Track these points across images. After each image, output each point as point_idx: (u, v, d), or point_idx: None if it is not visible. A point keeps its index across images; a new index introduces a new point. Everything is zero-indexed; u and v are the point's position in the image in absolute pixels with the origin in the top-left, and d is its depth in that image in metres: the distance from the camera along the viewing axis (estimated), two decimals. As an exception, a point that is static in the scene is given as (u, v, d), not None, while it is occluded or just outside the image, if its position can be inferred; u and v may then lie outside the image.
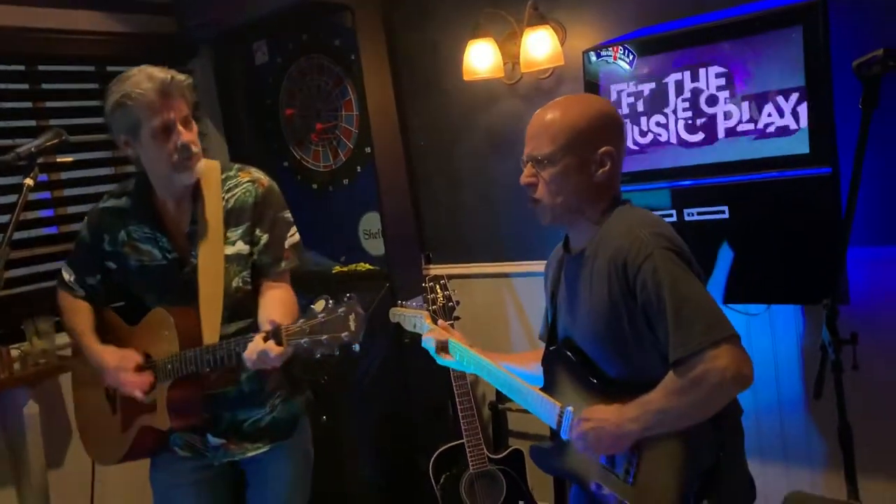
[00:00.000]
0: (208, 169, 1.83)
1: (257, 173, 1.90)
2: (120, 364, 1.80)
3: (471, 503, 2.67)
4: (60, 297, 1.96)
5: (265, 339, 1.61)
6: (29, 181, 1.59)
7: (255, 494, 1.95)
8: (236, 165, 1.92)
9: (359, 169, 3.11)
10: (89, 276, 1.92)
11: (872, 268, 2.14)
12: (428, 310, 2.79)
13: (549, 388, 1.68)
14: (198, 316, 1.78)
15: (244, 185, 1.86)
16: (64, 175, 2.98)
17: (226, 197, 1.84)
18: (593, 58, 2.39)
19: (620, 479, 1.52)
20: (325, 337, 1.55)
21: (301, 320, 1.59)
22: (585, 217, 1.59)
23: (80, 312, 1.94)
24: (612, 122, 1.59)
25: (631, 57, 2.31)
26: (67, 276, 1.94)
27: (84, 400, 2.04)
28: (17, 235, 2.71)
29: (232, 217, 1.84)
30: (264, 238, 1.85)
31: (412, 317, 2.00)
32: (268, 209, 1.86)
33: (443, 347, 1.85)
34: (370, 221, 3.14)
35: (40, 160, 1.64)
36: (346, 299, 1.58)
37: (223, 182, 1.85)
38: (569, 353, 1.63)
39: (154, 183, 1.82)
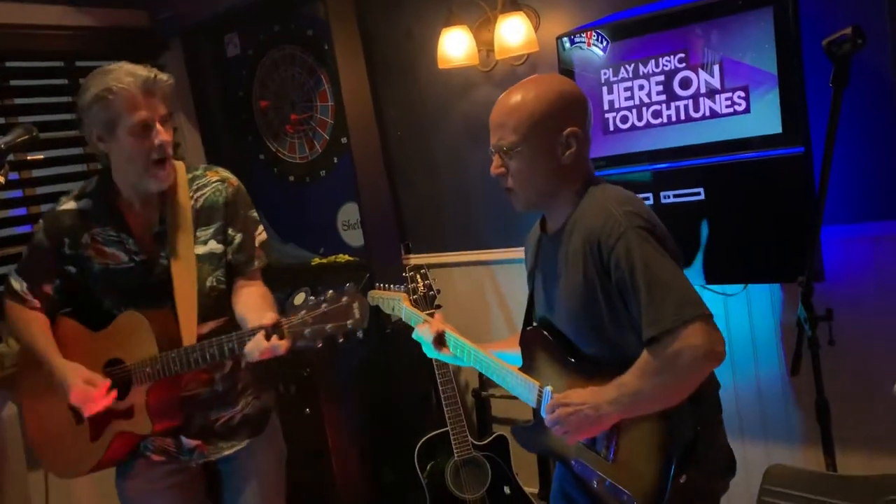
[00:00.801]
0: (174, 169, 1.81)
1: (225, 172, 1.90)
2: (86, 384, 1.75)
3: (456, 490, 2.68)
4: (9, 308, 1.86)
5: (267, 336, 1.61)
6: (0, 178, 1.57)
7: (231, 492, 1.94)
8: (202, 165, 1.91)
9: (335, 160, 3.10)
10: (46, 283, 1.83)
11: (846, 245, 2.18)
12: (409, 299, 2.80)
13: (527, 367, 1.70)
14: (174, 317, 1.76)
15: (213, 185, 1.85)
16: (35, 173, 2.93)
17: (194, 196, 1.83)
18: (567, 44, 2.40)
19: (601, 456, 1.55)
20: (329, 326, 1.57)
21: (302, 311, 1.60)
22: (559, 199, 1.59)
23: (35, 324, 1.85)
24: (574, 101, 1.58)
25: (604, 43, 2.32)
26: (18, 285, 1.85)
27: (40, 412, 1.94)
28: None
29: (202, 216, 1.82)
30: (238, 237, 1.86)
31: (390, 299, 2.00)
32: (239, 208, 1.87)
33: (440, 341, 1.83)
34: (348, 212, 3.13)
35: (10, 157, 1.62)
36: (346, 287, 1.60)
37: (190, 182, 1.83)
38: (545, 333, 1.64)
39: (120, 183, 1.78)
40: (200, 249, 1.82)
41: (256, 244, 1.90)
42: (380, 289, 2.05)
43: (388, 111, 3.09)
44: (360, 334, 1.61)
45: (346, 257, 3.13)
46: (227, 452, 1.89)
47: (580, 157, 1.57)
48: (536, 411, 1.64)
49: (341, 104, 2.93)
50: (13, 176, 2.82)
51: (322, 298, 1.60)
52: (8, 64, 2.87)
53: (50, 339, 1.84)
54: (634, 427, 1.48)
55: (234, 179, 1.89)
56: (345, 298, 1.58)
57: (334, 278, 3.04)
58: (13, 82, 2.89)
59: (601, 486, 1.55)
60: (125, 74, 1.66)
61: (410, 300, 1.94)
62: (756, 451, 2.40)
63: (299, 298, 3.08)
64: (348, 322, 1.57)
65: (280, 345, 1.61)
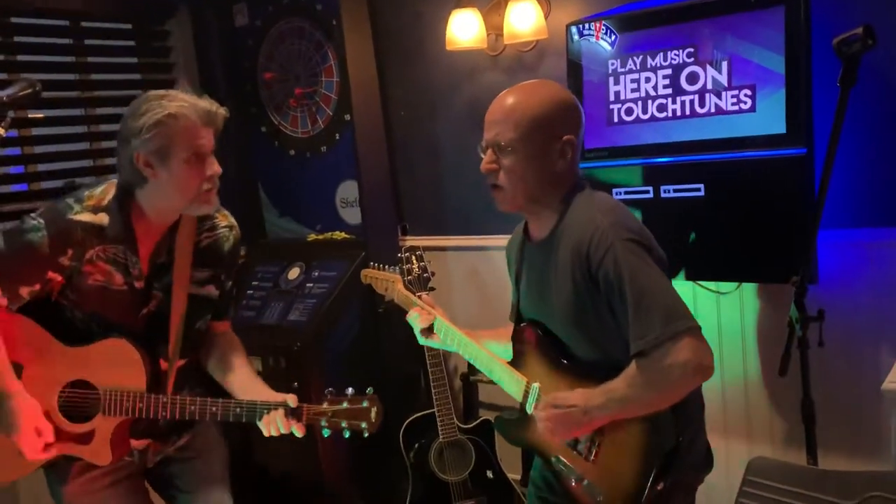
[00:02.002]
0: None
1: (231, 219, 1.89)
2: (35, 440, 1.65)
3: (440, 471, 2.70)
4: None
5: (287, 415, 1.69)
6: (0, 130, 1.56)
7: (182, 483, 1.91)
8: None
9: (337, 136, 3.08)
10: (26, 285, 1.66)
11: (841, 249, 2.19)
12: (403, 280, 2.80)
13: (516, 363, 1.72)
14: (162, 353, 1.76)
15: (222, 230, 1.85)
16: (35, 131, 2.91)
17: (201, 236, 1.81)
18: (576, 36, 2.39)
19: (581, 456, 1.57)
20: (344, 422, 1.70)
21: (325, 403, 1.71)
22: (545, 205, 1.61)
23: None
24: (573, 110, 1.61)
25: (613, 38, 2.31)
26: None
27: None
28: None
29: (203, 257, 1.80)
30: (227, 285, 1.90)
31: (384, 280, 2.02)
32: (236, 258, 1.91)
33: (429, 329, 1.85)
34: (347, 190, 3.12)
35: (11, 114, 1.59)
36: (368, 392, 1.73)
37: (200, 220, 1.80)
38: (539, 332, 1.67)
39: (150, 207, 1.70)
40: (196, 290, 1.81)
41: (234, 293, 1.96)
42: (374, 268, 2.07)
43: (392, 90, 3.08)
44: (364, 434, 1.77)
45: (343, 235, 3.13)
46: (179, 443, 1.89)
47: (572, 166, 1.60)
48: (522, 406, 1.66)
49: (347, 80, 2.92)
50: (12, 133, 2.80)
51: (344, 395, 1.71)
52: (13, 19, 2.85)
53: (5, 356, 1.66)
54: (618, 431, 1.51)
55: (237, 228, 1.89)
56: (365, 402, 1.70)
57: (330, 255, 3.04)
58: (17, 38, 2.86)
59: (579, 485, 1.58)
60: (186, 102, 1.63)
61: (404, 282, 1.95)
62: (739, 447, 2.42)
63: (293, 273, 3.08)
64: (363, 424, 1.69)
65: (298, 429, 1.70)
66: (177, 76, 3.23)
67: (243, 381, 1.82)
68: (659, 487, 1.46)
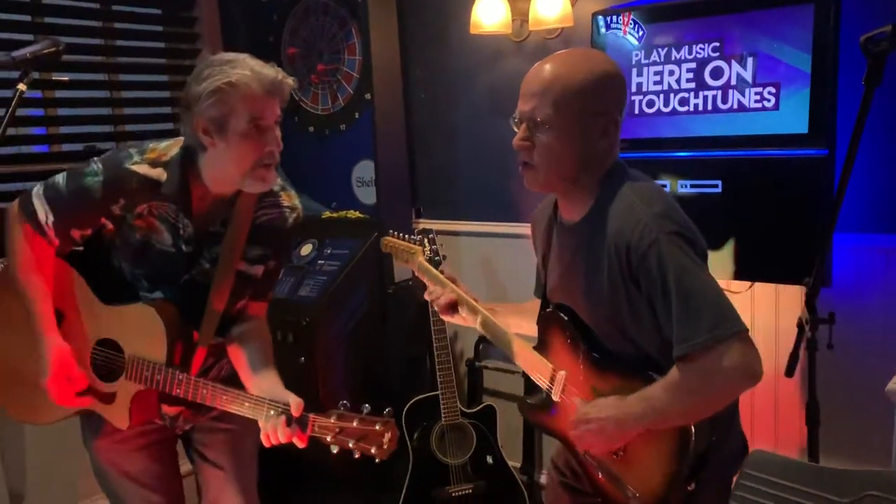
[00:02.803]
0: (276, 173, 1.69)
1: (296, 200, 1.80)
2: (64, 384, 1.65)
3: (440, 453, 2.71)
4: (18, 231, 1.68)
5: (288, 422, 1.51)
6: (22, 86, 1.56)
7: (208, 450, 1.89)
8: (279, 179, 1.74)
9: (357, 115, 3.09)
10: (78, 228, 1.67)
11: (856, 254, 2.17)
12: (424, 252, 2.80)
13: (541, 348, 1.63)
14: (192, 323, 1.68)
15: (284, 209, 1.76)
16: (58, 94, 2.94)
17: (260, 212, 1.72)
18: (603, 28, 2.37)
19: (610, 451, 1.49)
20: (352, 442, 1.47)
21: (333, 417, 1.49)
22: (579, 186, 1.48)
23: (41, 273, 1.68)
24: (618, 85, 1.48)
25: (641, 32, 2.29)
26: (43, 214, 1.65)
27: (5, 345, 1.80)
28: (7, 150, 2.71)
29: (259, 235, 1.72)
30: (272, 264, 1.78)
31: (405, 250, 1.93)
32: (290, 242, 1.82)
33: (453, 307, 1.74)
34: (364, 169, 3.13)
35: (36, 76, 1.60)
36: (385, 412, 1.49)
37: (262, 196, 1.71)
38: (566, 319, 1.56)
39: (206, 173, 1.63)
40: (245, 267, 1.73)
41: (278, 277, 1.85)
42: (394, 237, 1.98)
43: (414, 72, 3.08)
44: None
45: (357, 214, 3.13)
46: (213, 413, 1.81)
47: (612, 146, 1.48)
48: (547, 393, 1.60)
49: (369, 59, 2.92)
50: (37, 94, 2.83)
51: (357, 413, 1.49)
52: (42, -18, 2.87)
53: (50, 299, 1.69)
54: (649, 432, 1.42)
55: (300, 210, 1.80)
56: (378, 426, 1.46)
57: (343, 233, 3.05)
58: (45, 0, 2.88)
59: (607, 479, 1.50)
60: (249, 70, 1.53)
61: (425, 254, 1.87)
62: (741, 449, 2.41)
63: (306, 249, 3.09)
64: (373, 449, 1.46)
65: (300, 440, 1.50)
66: (201, 47, 3.25)
67: (259, 373, 1.68)
68: (690, 488, 1.38)
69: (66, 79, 2.92)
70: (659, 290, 1.35)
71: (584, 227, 1.49)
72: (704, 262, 1.40)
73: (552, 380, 1.58)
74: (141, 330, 1.65)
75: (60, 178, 1.67)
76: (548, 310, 1.64)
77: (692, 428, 1.37)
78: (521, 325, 1.75)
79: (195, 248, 1.69)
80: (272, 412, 1.53)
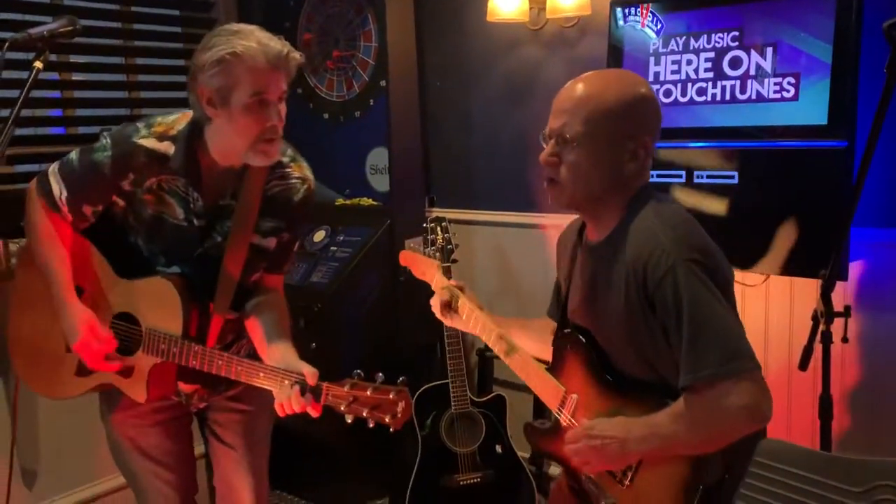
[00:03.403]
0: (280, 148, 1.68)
1: (308, 171, 1.79)
2: (93, 346, 1.66)
3: (449, 440, 2.71)
4: (37, 207, 1.71)
5: (302, 392, 1.51)
6: (38, 64, 1.57)
7: (222, 430, 1.90)
8: (289, 151, 1.76)
9: (371, 102, 3.08)
10: (89, 204, 1.69)
11: (874, 250, 2.14)
12: (426, 249, 2.80)
13: (555, 369, 1.61)
14: (207, 297, 1.68)
15: (293, 181, 1.74)
16: (75, 76, 2.95)
17: (270, 184, 1.70)
18: (621, 21, 2.35)
19: (616, 479, 1.46)
20: (366, 411, 1.48)
21: (347, 386, 1.49)
22: (606, 207, 1.47)
23: (58, 245, 1.70)
24: (651, 109, 1.47)
25: (659, 26, 2.27)
26: (58, 190, 1.68)
27: (27, 319, 1.83)
28: (24, 132, 2.72)
29: (271, 207, 1.71)
30: (286, 237, 1.78)
31: (422, 264, 1.94)
32: (305, 215, 1.79)
33: (447, 305, 1.77)
34: (378, 157, 3.12)
35: (53, 58, 1.60)
36: (399, 381, 1.49)
37: (273, 167, 1.70)
38: (584, 341, 1.54)
39: (213, 146, 1.63)
40: (258, 240, 1.72)
41: (294, 250, 1.84)
42: (412, 249, 2.01)
43: (430, 59, 3.06)
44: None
45: (370, 201, 3.13)
46: (229, 393, 1.84)
47: (643, 169, 1.47)
48: (555, 416, 1.57)
49: (385, 46, 2.91)
50: (53, 76, 2.84)
51: (371, 382, 1.50)
52: (60, -36, 2.88)
53: (69, 269, 1.70)
54: (658, 459, 1.39)
55: (312, 181, 1.79)
56: (392, 394, 1.47)
57: (356, 220, 3.05)
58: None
59: None
60: (256, 42, 1.52)
61: (442, 268, 1.86)
62: (752, 443, 2.39)
63: (318, 236, 3.09)
64: (387, 418, 1.46)
65: (314, 409, 1.50)
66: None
67: (274, 343, 1.68)
68: None
69: (83, 61, 2.93)
70: (673, 318, 1.34)
71: (606, 247, 1.47)
72: (727, 289, 1.38)
73: (562, 403, 1.55)
74: (157, 303, 1.66)
75: (74, 154, 1.70)
76: (566, 331, 1.61)
77: (704, 463, 1.34)
78: (523, 342, 1.71)
79: (207, 222, 1.69)
80: (286, 382, 1.52)
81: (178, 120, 1.67)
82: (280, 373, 1.54)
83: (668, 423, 1.34)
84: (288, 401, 1.51)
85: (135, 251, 1.73)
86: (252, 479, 1.90)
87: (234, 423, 1.89)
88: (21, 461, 2.60)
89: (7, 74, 1.54)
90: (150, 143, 1.64)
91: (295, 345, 1.71)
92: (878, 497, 0.94)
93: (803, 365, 1.82)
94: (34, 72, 1.57)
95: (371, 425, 1.48)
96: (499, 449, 2.75)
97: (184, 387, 1.79)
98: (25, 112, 1.68)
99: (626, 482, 1.44)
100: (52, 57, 1.64)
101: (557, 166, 1.46)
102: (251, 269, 1.74)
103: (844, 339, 1.76)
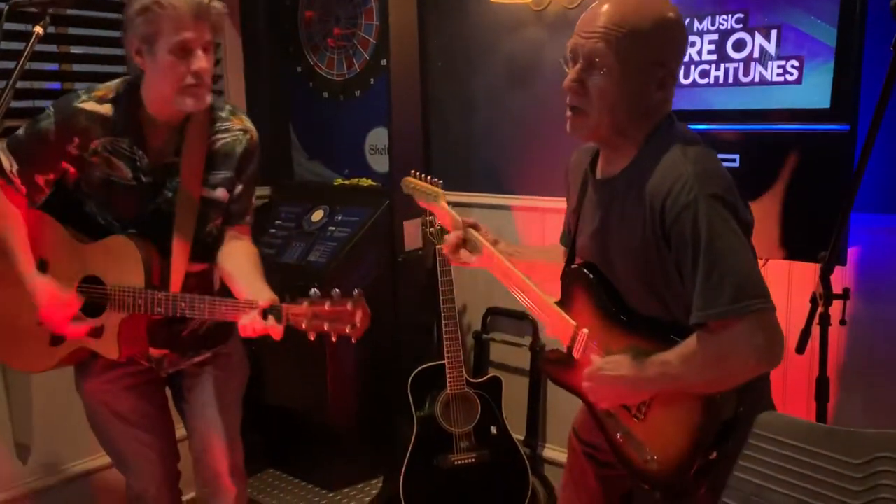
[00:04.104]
0: (209, 94, 1.77)
1: (248, 122, 1.89)
2: (57, 311, 1.73)
3: (444, 421, 2.71)
4: None
5: (264, 316, 1.60)
6: (39, 29, 1.55)
7: (193, 396, 1.96)
8: (228, 106, 1.88)
9: (372, 81, 3.06)
10: (40, 172, 1.76)
11: (872, 235, 2.14)
12: (426, 230, 2.79)
13: (565, 303, 1.59)
14: (167, 251, 1.75)
15: (235, 133, 1.84)
16: (74, 49, 2.93)
17: (213, 138, 1.81)
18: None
19: (631, 413, 1.46)
20: (326, 324, 1.58)
21: (305, 303, 1.59)
22: (626, 138, 1.42)
23: (12, 217, 1.76)
24: (682, 36, 1.41)
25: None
26: (8, 164, 1.74)
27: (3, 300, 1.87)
28: (21, 104, 2.70)
29: (216, 160, 1.81)
30: (239, 188, 1.87)
31: (427, 192, 1.89)
32: (251, 162, 1.87)
33: (462, 245, 1.72)
34: (377, 137, 3.11)
35: (52, 30, 1.61)
36: (354, 293, 1.59)
37: (213, 122, 1.81)
38: (592, 277, 1.52)
39: (148, 99, 1.74)
40: (207, 192, 1.81)
41: (252, 201, 1.92)
42: (415, 177, 1.93)
43: (431, 39, 3.04)
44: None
45: (369, 182, 3.12)
46: (196, 360, 1.91)
47: (668, 98, 1.42)
48: (568, 349, 1.58)
49: (386, 25, 2.89)
50: (52, 48, 2.81)
51: (328, 296, 1.59)
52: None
53: (25, 240, 1.76)
54: (672, 396, 1.39)
55: (254, 132, 1.89)
56: (349, 305, 1.57)
57: (354, 200, 3.04)
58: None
59: (626, 440, 1.48)
60: None
61: (446, 200, 1.84)
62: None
63: (317, 215, 3.08)
64: (347, 328, 1.57)
65: (276, 329, 1.60)
66: (220, 38, 3.21)
67: (241, 279, 1.76)
68: (712, 457, 1.34)
69: (82, 33, 2.90)
70: (689, 253, 1.29)
71: (622, 180, 1.43)
72: (747, 231, 1.34)
73: (573, 337, 1.55)
74: (118, 260, 1.74)
75: (21, 129, 1.77)
76: (573, 266, 1.58)
77: (718, 397, 1.33)
78: (541, 271, 1.70)
79: (156, 179, 1.77)
80: (248, 310, 1.62)
81: (118, 84, 1.78)
82: (241, 305, 1.64)
83: (678, 363, 1.33)
84: (250, 323, 1.60)
85: (91, 221, 1.80)
86: (225, 441, 1.96)
87: (204, 388, 1.95)
88: (15, 435, 2.59)
89: (4, 45, 1.56)
90: (90, 105, 1.74)
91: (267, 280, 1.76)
92: (877, 468, 0.94)
93: (800, 348, 1.82)
94: (34, 37, 1.56)
95: (333, 339, 1.58)
96: (494, 430, 2.75)
97: (154, 352, 1.86)
98: (23, 84, 1.70)
99: (640, 416, 1.44)
100: (51, 29, 1.65)
101: (582, 93, 1.38)
102: (205, 221, 1.81)
103: (842, 322, 1.77)
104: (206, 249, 1.84)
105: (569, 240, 1.68)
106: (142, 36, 1.64)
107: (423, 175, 1.91)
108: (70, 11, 2.69)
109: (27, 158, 1.75)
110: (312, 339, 1.59)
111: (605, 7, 1.37)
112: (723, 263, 1.26)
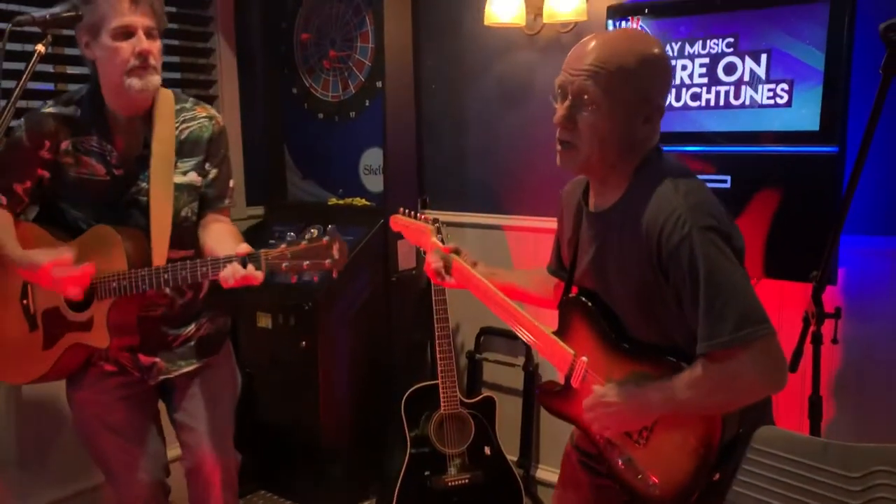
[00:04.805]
0: (163, 96, 1.86)
1: (212, 110, 1.96)
2: (56, 261, 1.74)
3: (438, 441, 2.71)
4: None
5: (243, 264, 1.64)
6: (40, 48, 1.58)
7: (184, 408, 1.98)
8: (191, 98, 1.95)
9: (367, 103, 3.09)
10: (17, 181, 1.82)
11: (862, 257, 2.17)
12: (420, 249, 2.80)
13: (562, 333, 1.61)
14: (147, 239, 1.80)
15: (200, 120, 1.91)
16: (70, 69, 2.94)
17: (180, 127, 1.87)
18: (610, 27, 2.39)
19: (633, 439, 1.47)
20: (306, 262, 1.62)
21: (283, 245, 1.64)
22: (616, 171, 1.45)
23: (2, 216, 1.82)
24: (667, 71, 1.45)
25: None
26: None
27: None
28: (17, 123, 2.70)
29: (185, 148, 1.88)
30: (213, 172, 1.93)
31: (415, 229, 1.94)
32: (220, 147, 1.94)
33: (446, 269, 1.76)
34: (372, 157, 3.13)
35: (51, 49, 1.64)
36: (328, 228, 1.64)
37: (178, 112, 1.88)
38: (591, 305, 1.54)
39: (106, 94, 1.80)
40: (180, 179, 1.86)
41: (230, 185, 1.98)
42: (404, 214, 1.97)
43: (426, 62, 3.08)
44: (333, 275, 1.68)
45: (363, 201, 3.14)
46: (185, 369, 1.93)
47: (654, 132, 1.45)
48: (566, 379, 1.58)
49: (382, 47, 2.92)
50: (48, 68, 2.82)
51: (303, 236, 1.64)
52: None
53: (11, 230, 1.81)
54: (674, 419, 1.40)
55: (220, 119, 1.96)
56: (325, 239, 1.62)
57: (348, 220, 3.05)
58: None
59: (627, 466, 1.48)
60: None
61: (434, 232, 1.87)
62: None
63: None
64: (326, 261, 1.62)
65: (256, 275, 1.64)
66: (213, 30, 3.25)
67: (221, 245, 1.80)
68: (715, 478, 1.35)
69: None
70: (688, 285, 1.32)
71: (616, 213, 1.46)
72: (740, 258, 1.37)
73: (572, 366, 1.56)
74: (100, 249, 1.77)
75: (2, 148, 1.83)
76: (571, 296, 1.61)
77: (720, 419, 1.35)
78: (520, 295, 1.74)
79: (127, 171, 1.83)
80: (225, 263, 1.66)
81: (81, 87, 1.86)
82: (221, 260, 1.68)
83: (683, 388, 1.34)
84: (231, 273, 1.64)
85: (75, 226, 1.84)
86: (216, 454, 1.97)
87: (196, 400, 1.97)
88: (3, 457, 2.57)
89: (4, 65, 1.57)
90: (56, 109, 1.83)
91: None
92: (875, 482, 0.96)
93: (793, 366, 1.84)
94: (35, 56, 1.57)
95: (315, 279, 1.67)
96: (487, 451, 2.75)
97: (144, 359, 1.88)
98: (20, 103, 1.74)
99: (643, 441, 1.44)
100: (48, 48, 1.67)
101: (572, 129, 1.42)
102: (180, 205, 1.86)
103: (834, 341, 1.79)
104: (185, 235, 1.89)
105: (561, 270, 1.71)
106: (87, 27, 1.71)
107: (410, 212, 1.96)
108: (66, 32, 2.70)
109: (5, 169, 1.81)
110: (294, 281, 1.66)
111: (593, 44, 1.41)
112: (723, 294, 1.30)
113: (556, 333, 1.61)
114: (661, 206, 1.36)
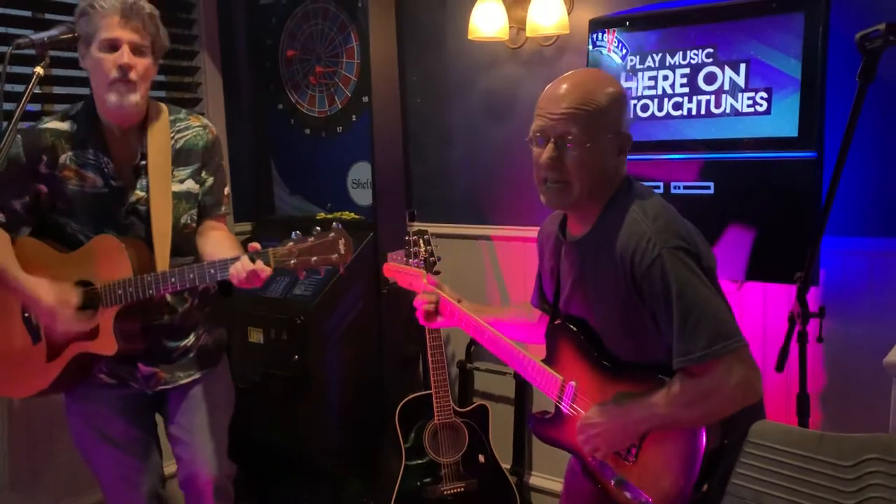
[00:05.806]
0: (156, 109, 1.90)
1: (206, 121, 2.01)
2: (59, 300, 1.77)
3: (433, 451, 2.73)
4: None
5: (252, 261, 1.68)
6: (39, 70, 1.59)
7: (181, 420, 2.00)
8: (184, 110, 1.99)
9: (354, 118, 3.12)
10: (16, 198, 1.85)
11: (842, 257, 2.23)
12: (409, 261, 2.83)
13: (550, 360, 1.67)
14: (149, 247, 1.83)
15: (195, 129, 1.96)
16: (56, 89, 2.95)
17: (175, 137, 1.92)
18: (590, 45, 2.45)
19: (622, 457, 1.52)
20: (314, 258, 1.67)
21: (290, 243, 1.69)
22: (592, 201, 1.54)
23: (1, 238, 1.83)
24: (627, 103, 1.58)
25: (624, 51, 2.38)
26: None
27: None
28: None
29: (181, 157, 1.92)
30: (209, 180, 1.97)
31: (407, 274, 2.02)
32: (215, 156, 1.99)
33: (435, 311, 1.84)
34: (359, 171, 3.16)
35: (51, 52, 1.66)
36: (333, 225, 1.70)
37: (172, 123, 1.92)
38: (576, 330, 1.61)
39: (98, 106, 1.84)
40: (177, 187, 1.90)
41: (225, 192, 2.02)
42: (395, 261, 2.10)
43: (411, 76, 3.13)
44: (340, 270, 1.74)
45: (352, 215, 3.16)
46: (183, 381, 1.96)
47: (623, 162, 1.56)
48: (556, 405, 1.63)
49: (367, 63, 2.96)
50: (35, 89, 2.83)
51: (310, 233, 1.69)
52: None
53: (11, 254, 1.82)
54: (660, 433, 1.47)
55: (213, 128, 2.01)
56: (331, 234, 1.68)
57: (338, 234, 3.07)
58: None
59: (619, 486, 1.53)
60: None
61: (426, 275, 1.95)
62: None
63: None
64: (333, 256, 1.67)
65: (265, 269, 1.68)
66: (198, 48, 3.27)
67: (221, 250, 1.84)
68: (704, 489, 1.41)
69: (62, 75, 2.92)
70: (662, 304, 1.40)
71: (591, 240, 1.55)
72: (710, 274, 1.44)
73: (562, 391, 1.61)
74: (104, 257, 1.80)
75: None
76: (556, 323, 1.68)
77: (703, 432, 1.41)
78: (503, 327, 1.79)
79: (125, 182, 1.86)
80: (232, 262, 1.70)
81: (77, 103, 1.90)
82: (229, 260, 1.72)
83: (664, 403, 1.41)
84: (242, 269, 1.68)
85: (75, 240, 1.86)
86: (210, 464, 2.00)
87: (191, 411, 1.99)
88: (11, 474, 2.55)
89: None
90: (52, 124, 1.86)
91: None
92: (867, 469, 1.00)
93: (780, 366, 1.89)
94: (34, 77, 1.59)
95: (321, 274, 1.71)
96: (482, 458, 2.77)
97: (144, 369, 1.90)
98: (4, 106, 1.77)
99: (632, 459, 1.50)
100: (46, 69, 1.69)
101: (561, 168, 1.50)
102: (180, 212, 1.90)
103: (819, 339, 1.84)
104: (186, 242, 1.93)
105: (544, 303, 1.78)
106: (83, 38, 1.75)
107: (401, 258, 2.11)
108: (52, 52, 2.72)
109: (2, 186, 1.82)
110: (302, 277, 1.72)
111: (565, 87, 1.51)
112: (695, 311, 1.37)
113: (544, 361, 1.68)
114: (632, 231, 1.45)
